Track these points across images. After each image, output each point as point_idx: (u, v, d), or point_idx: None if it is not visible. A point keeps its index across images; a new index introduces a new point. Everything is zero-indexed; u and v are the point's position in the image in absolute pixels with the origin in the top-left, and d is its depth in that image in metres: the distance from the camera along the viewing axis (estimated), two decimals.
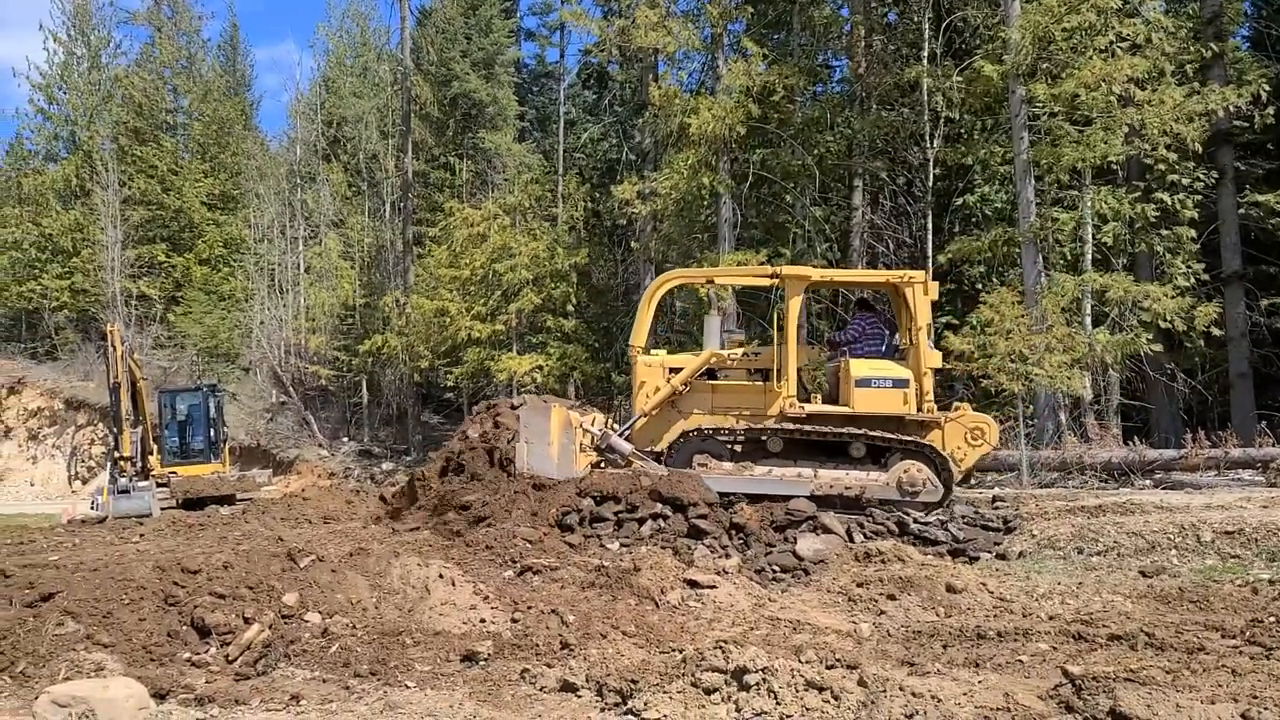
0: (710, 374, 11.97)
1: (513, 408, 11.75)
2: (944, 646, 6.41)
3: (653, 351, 12.49)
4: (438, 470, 12.04)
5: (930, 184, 23.16)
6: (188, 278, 37.82)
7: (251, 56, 63.14)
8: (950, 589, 7.82)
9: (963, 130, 23.28)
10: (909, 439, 11.17)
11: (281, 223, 36.59)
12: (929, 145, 22.60)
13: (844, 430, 11.19)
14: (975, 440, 11.39)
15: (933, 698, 4.55)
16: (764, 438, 11.45)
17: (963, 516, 10.92)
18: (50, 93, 41.23)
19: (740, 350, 12.35)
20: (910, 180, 25.23)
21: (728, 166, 23.52)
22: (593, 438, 11.56)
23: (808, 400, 11.64)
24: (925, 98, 22.27)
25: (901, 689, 4.62)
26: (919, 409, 11.25)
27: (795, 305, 11.73)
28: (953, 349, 17.39)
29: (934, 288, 11.61)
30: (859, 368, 11.37)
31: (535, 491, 10.32)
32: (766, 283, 12.62)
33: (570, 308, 28.03)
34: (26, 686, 5.23)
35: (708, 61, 26.40)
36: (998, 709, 4.58)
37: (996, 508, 11.88)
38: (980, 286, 21.15)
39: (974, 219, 23.14)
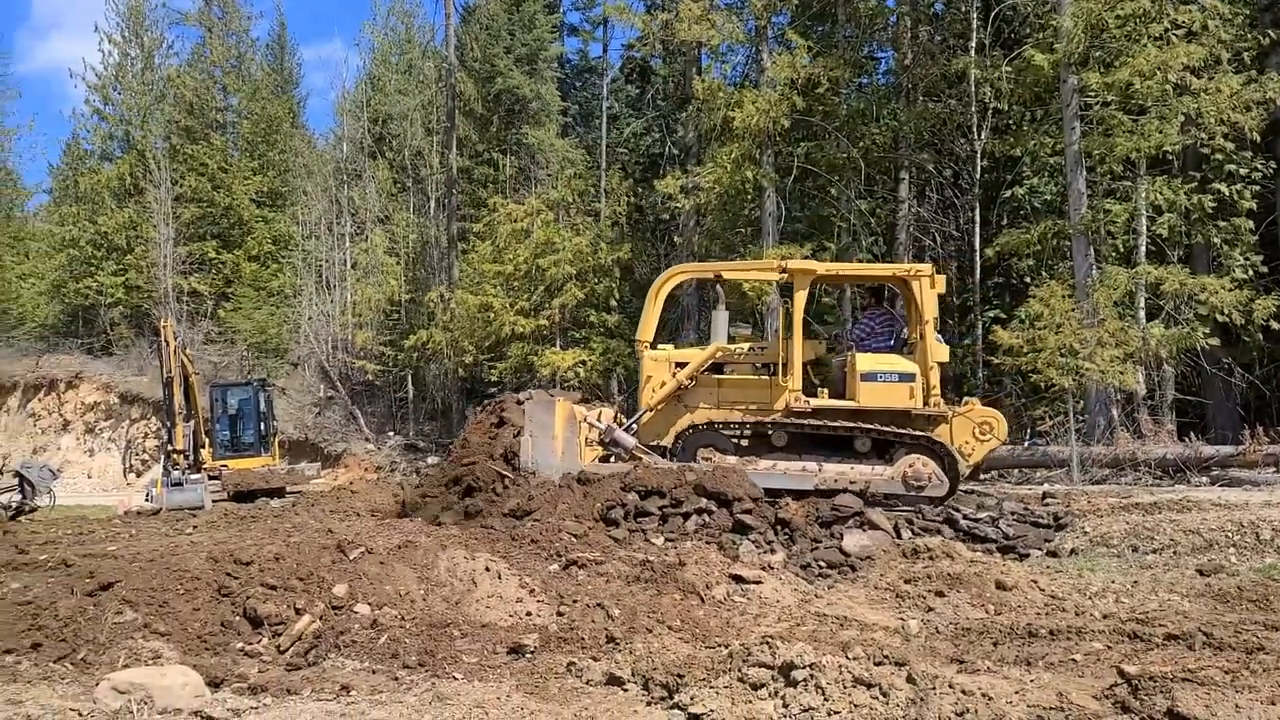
0: (717, 368, 12.01)
1: (518, 403, 11.82)
2: (994, 644, 6.32)
3: (660, 346, 12.56)
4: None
5: (978, 176, 22.86)
6: (237, 274, 38.45)
7: (299, 55, 63.98)
8: (1000, 586, 7.71)
9: (1011, 121, 22.95)
10: (917, 434, 11.12)
11: (329, 219, 37.03)
12: (976, 137, 22.31)
13: (848, 425, 11.20)
14: (984, 435, 11.34)
15: (983, 696, 4.48)
16: (769, 432, 11.47)
17: (1012, 513, 10.78)
18: (105, 93, 42.14)
19: (746, 345, 12.38)
20: (957, 172, 24.95)
21: (772, 160, 23.38)
22: (598, 432, 11.63)
23: (814, 395, 11.62)
24: (973, 88, 21.97)
25: (951, 686, 4.55)
26: (925, 403, 11.20)
27: (801, 299, 11.70)
28: (1001, 343, 17.18)
29: (940, 281, 11.55)
30: (864, 362, 11.34)
31: (580, 486, 10.35)
32: (773, 277, 12.56)
33: (613, 303, 28.08)
34: (88, 673, 5.34)
35: (751, 54, 26.27)
36: (1051, 708, 4.50)
37: (1047, 504, 11.72)
38: (1029, 280, 20.86)
39: (1023, 211, 22.81)
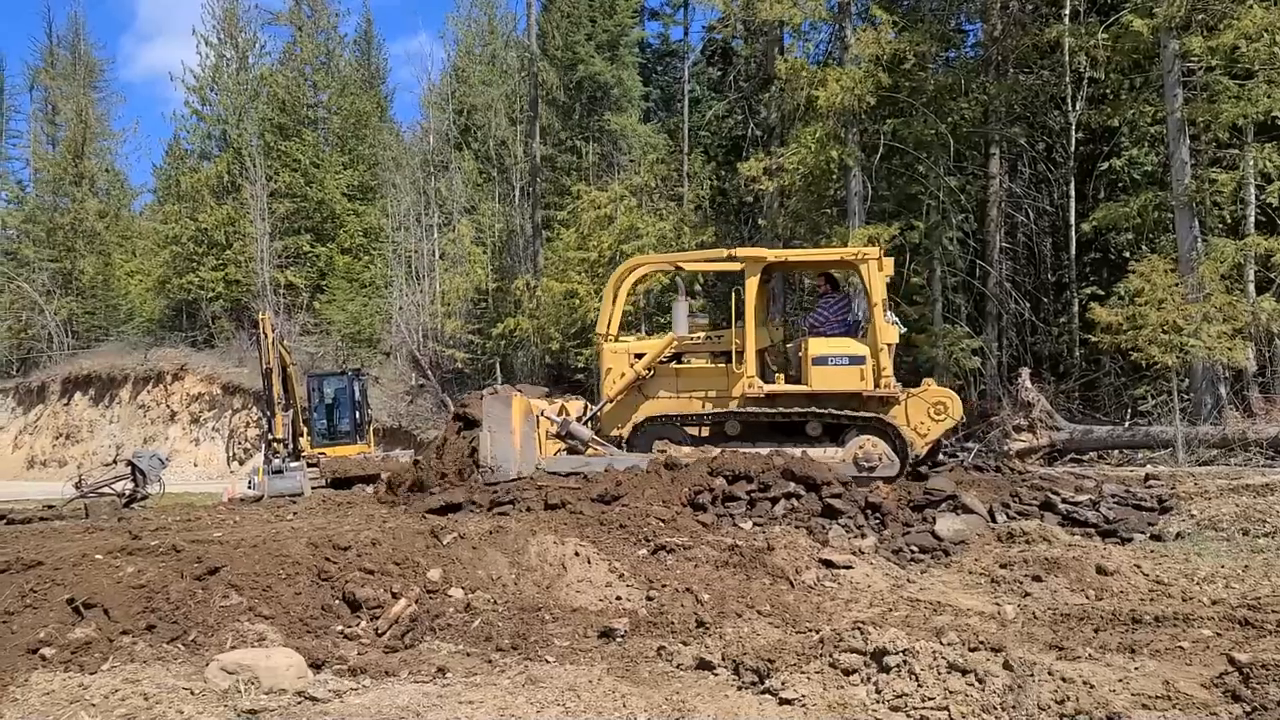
0: (675, 358, 12.29)
1: (480, 398, 11.94)
2: (1095, 631, 6.14)
3: (621, 338, 12.76)
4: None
5: (1072, 149, 22.16)
6: (331, 266, 39.48)
7: (385, 50, 65.13)
8: (1101, 570, 7.48)
9: (1108, 90, 22.10)
10: (868, 415, 11.28)
11: (417, 211, 37.72)
12: (1071, 108, 21.61)
13: (800, 409, 11.41)
14: (938, 415, 11.52)
15: (1084, 683, 4.36)
16: (724, 421, 11.76)
17: (1113, 495, 10.47)
18: (203, 94, 43.63)
19: (703, 334, 12.59)
20: (1051, 146, 24.18)
21: (857, 138, 22.97)
22: (555, 425, 11.79)
23: (771, 381, 11.82)
24: (1067, 58, 21.25)
25: (1050, 673, 4.44)
26: (876, 385, 11.38)
27: (752, 286, 11.95)
28: (1099, 321, 16.67)
29: (889, 264, 11.77)
30: (816, 346, 11.57)
31: (667, 471, 10.37)
32: (725, 266, 12.69)
33: (697, 287, 27.99)
34: (198, 654, 5.55)
35: (835, 32, 25.79)
36: (1157, 697, 4.36)
37: (1150, 486, 11.33)
38: (1128, 255, 20.16)
39: (1121, 184, 22.02)
